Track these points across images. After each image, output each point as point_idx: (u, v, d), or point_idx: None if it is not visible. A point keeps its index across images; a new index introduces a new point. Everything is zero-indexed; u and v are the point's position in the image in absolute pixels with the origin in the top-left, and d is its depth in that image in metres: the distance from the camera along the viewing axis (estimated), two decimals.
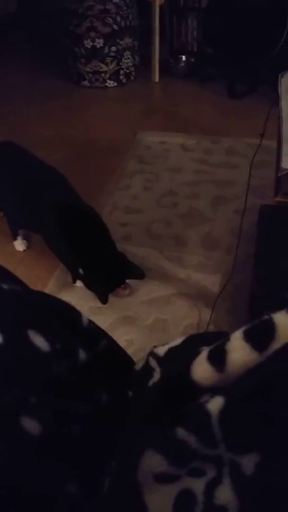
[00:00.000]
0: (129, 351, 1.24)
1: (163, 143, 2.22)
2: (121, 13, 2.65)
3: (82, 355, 0.50)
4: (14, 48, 3.57)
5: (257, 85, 2.64)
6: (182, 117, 2.49)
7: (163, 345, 0.63)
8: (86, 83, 2.89)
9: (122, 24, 2.68)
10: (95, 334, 0.60)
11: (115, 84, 2.88)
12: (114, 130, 2.41)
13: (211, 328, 1.29)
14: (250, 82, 2.67)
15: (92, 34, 2.66)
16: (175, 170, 2.02)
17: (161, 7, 2.74)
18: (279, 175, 0.92)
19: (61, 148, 2.29)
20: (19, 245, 1.61)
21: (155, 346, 0.64)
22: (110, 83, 2.87)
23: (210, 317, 1.31)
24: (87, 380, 0.50)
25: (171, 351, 0.60)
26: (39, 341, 0.45)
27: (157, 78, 2.89)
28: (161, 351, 0.61)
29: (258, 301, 1.27)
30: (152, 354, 0.62)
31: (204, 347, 0.50)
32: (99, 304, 1.36)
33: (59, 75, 3.03)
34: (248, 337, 0.45)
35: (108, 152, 2.22)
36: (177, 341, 0.62)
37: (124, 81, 2.90)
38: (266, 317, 0.46)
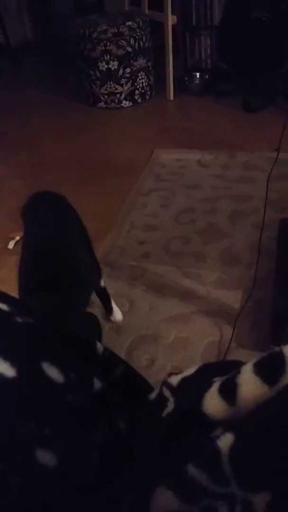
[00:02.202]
0: (151, 370, 1.24)
1: (179, 160, 2.23)
2: (134, 35, 2.70)
3: (97, 384, 0.49)
4: (32, 72, 3.69)
5: (272, 98, 2.64)
6: (198, 133, 2.51)
7: (176, 374, 0.62)
8: (102, 104, 2.94)
9: (136, 46, 2.73)
10: (111, 361, 0.60)
11: (131, 104, 2.93)
12: (131, 149, 2.44)
13: (233, 346, 1.27)
14: (265, 95, 2.67)
15: (107, 57, 2.72)
16: (192, 186, 2.02)
17: (173, 26, 2.79)
18: None
19: (79, 168, 2.33)
20: None
21: (170, 374, 0.63)
22: (126, 103, 2.92)
23: (232, 335, 1.29)
24: (103, 409, 0.49)
25: (184, 380, 0.59)
26: (53, 373, 0.45)
27: (172, 96, 2.93)
28: (175, 380, 0.60)
29: (281, 317, 1.24)
30: (165, 383, 0.61)
31: (216, 378, 0.49)
32: (119, 323, 1.36)
33: (76, 98, 3.10)
34: (259, 370, 0.44)
35: (125, 171, 2.24)
36: (191, 370, 0.61)
37: (139, 100, 2.94)
38: (276, 349, 0.45)
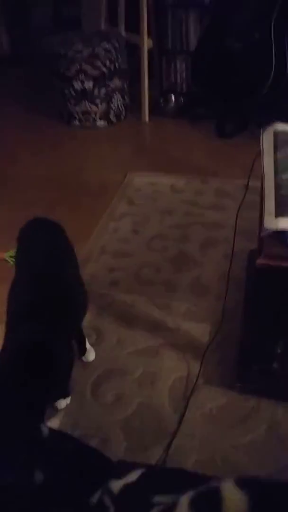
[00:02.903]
0: (118, 406, 1.21)
1: (153, 184, 2.23)
2: (110, 56, 2.71)
3: (39, 476, 0.47)
4: (7, 87, 3.64)
5: (246, 124, 2.68)
6: (172, 158, 2.52)
7: (117, 479, 0.59)
8: (76, 122, 2.92)
9: (111, 67, 2.74)
10: (58, 443, 0.57)
11: (105, 124, 2.92)
12: (104, 171, 2.43)
13: (200, 382, 1.26)
14: (239, 121, 2.71)
15: (82, 76, 2.71)
16: (165, 212, 2.02)
17: (149, 50, 2.81)
18: (261, 235, 0.91)
19: (52, 189, 2.29)
20: None
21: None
22: (101, 123, 2.91)
23: (199, 371, 1.28)
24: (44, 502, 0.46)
25: (126, 488, 0.57)
26: None
27: (147, 118, 2.94)
28: (116, 487, 0.58)
29: (247, 354, 1.24)
30: (106, 490, 0.58)
31: (156, 500, 0.47)
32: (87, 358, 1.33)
33: (51, 115, 3.07)
34: (195, 507, 0.43)
35: (98, 194, 2.22)
36: (133, 477, 0.59)
37: (114, 120, 2.94)
38: (215, 485, 0.44)
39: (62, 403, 1.20)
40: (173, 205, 2.07)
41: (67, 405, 1.21)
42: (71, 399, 1.22)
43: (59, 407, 1.20)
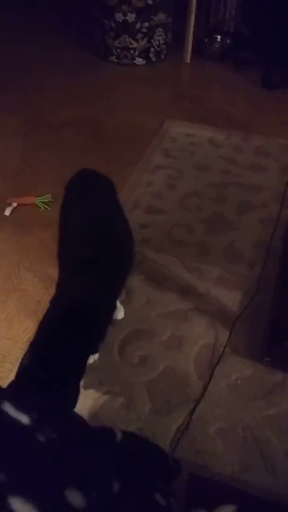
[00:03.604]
0: (144, 367, 1.23)
1: (190, 136, 2.12)
2: None
3: (116, 485, 0.47)
4: (41, 17, 3.40)
5: None
6: (212, 107, 2.37)
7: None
8: (113, 58, 2.75)
9: None
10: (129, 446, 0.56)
11: (144, 62, 2.74)
12: (140, 115, 2.31)
13: (227, 351, 1.26)
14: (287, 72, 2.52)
15: (125, 7, 2.50)
16: (202, 168, 1.93)
17: None
18: None
19: (84, 131, 2.20)
20: None
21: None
22: (139, 61, 2.73)
23: (228, 340, 1.28)
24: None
25: None
26: (76, 499, 0.42)
27: (189, 59, 2.74)
28: None
29: (278, 329, 1.23)
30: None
31: None
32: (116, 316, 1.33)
33: (86, 48, 2.89)
34: None
35: (132, 141, 2.12)
36: None
37: (153, 59, 2.75)
38: None
39: (91, 358, 1.22)
40: (210, 161, 1.98)
41: (94, 361, 1.23)
42: (98, 356, 1.24)
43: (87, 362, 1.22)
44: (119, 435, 0.59)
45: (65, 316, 0.99)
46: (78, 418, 0.67)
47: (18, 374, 0.95)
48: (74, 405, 0.97)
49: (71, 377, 0.97)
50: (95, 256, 1.07)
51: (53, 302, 1.04)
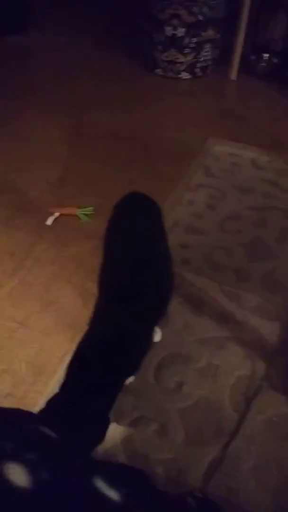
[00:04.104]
0: (179, 394, 1.22)
1: (233, 155, 2.11)
2: (208, 3, 2.47)
3: None
4: (87, 23, 3.43)
5: None
6: (256, 126, 2.35)
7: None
8: (159, 71, 2.75)
9: (208, 14, 2.51)
10: None
11: (190, 76, 2.74)
12: (183, 131, 2.30)
13: (264, 385, 1.24)
14: None
15: (175, 21, 2.51)
16: (243, 189, 1.92)
17: None
18: None
19: (126, 144, 2.21)
20: None
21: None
22: (185, 75, 2.73)
23: (265, 373, 1.26)
24: None
25: None
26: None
27: (234, 76, 2.73)
28: None
29: None
30: None
31: None
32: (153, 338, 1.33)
33: (133, 60, 2.91)
34: None
35: (174, 157, 2.12)
36: None
37: (199, 74, 2.75)
38: None
39: (126, 380, 1.22)
40: (252, 183, 1.96)
41: (130, 383, 1.23)
42: (134, 378, 1.23)
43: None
44: (192, 504, 0.58)
45: (101, 346, 0.96)
46: (158, 490, 0.66)
47: (49, 402, 0.94)
48: (103, 435, 0.97)
49: (101, 408, 0.96)
50: (135, 285, 1.04)
51: (89, 329, 1.02)
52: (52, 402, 0.94)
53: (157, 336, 1.34)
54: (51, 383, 1.24)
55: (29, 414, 0.66)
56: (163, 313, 1.17)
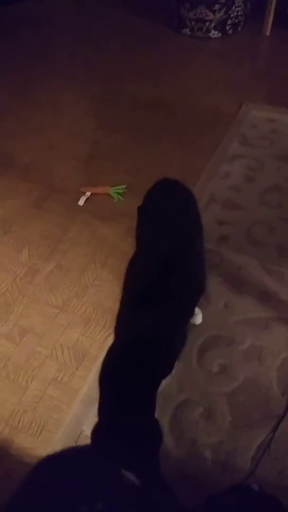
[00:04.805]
0: (223, 377, 1.20)
1: (272, 121, 1.99)
2: None
3: None
4: None
5: None
6: None
7: None
8: (187, 31, 2.60)
9: None
10: None
11: (220, 35, 2.57)
12: (217, 96, 2.18)
13: None
14: None
15: None
16: (284, 158, 1.81)
17: None
18: None
19: (157, 113, 2.12)
20: None
21: None
22: (214, 34, 2.57)
23: None
24: None
25: None
26: None
27: (268, 31, 2.54)
28: None
29: None
30: None
31: None
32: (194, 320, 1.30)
33: (158, 18, 2.75)
34: None
35: (208, 125, 2.02)
36: None
37: (230, 32, 2.58)
38: None
39: None
40: None
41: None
42: (177, 362, 1.22)
43: None
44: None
45: (130, 354, 0.90)
46: None
47: (95, 434, 0.88)
48: (160, 441, 0.93)
49: (147, 418, 0.91)
50: (164, 287, 0.97)
51: (117, 337, 0.97)
52: (98, 433, 0.87)
53: (198, 318, 1.31)
54: (94, 368, 1.24)
55: (106, 457, 0.64)
56: (191, 315, 1.11)
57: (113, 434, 0.82)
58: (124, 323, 0.98)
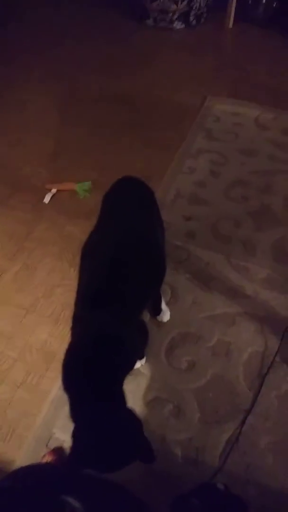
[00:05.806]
0: (192, 374, 1.22)
1: (235, 115, 2.00)
2: None
3: None
4: None
5: None
6: (258, 80, 2.22)
7: None
8: (150, 22, 2.57)
9: None
10: None
11: (183, 26, 2.56)
12: (180, 89, 2.18)
13: (278, 360, 1.24)
14: None
15: None
16: (247, 152, 1.83)
17: None
18: None
19: (120, 108, 2.09)
20: None
21: None
22: (178, 25, 2.55)
23: (278, 348, 1.25)
24: None
25: None
26: None
27: (231, 24, 2.55)
28: None
29: None
30: None
31: None
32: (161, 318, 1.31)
33: (121, 9, 2.70)
34: None
35: (172, 119, 2.02)
36: None
37: (193, 23, 2.57)
38: None
39: (138, 363, 1.21)
40: (257, 145, 1.87)
41: (141, 366, 1.22)
42: (146, 359, 1.23)
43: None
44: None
45: (86, 357, 0.90)
46: None
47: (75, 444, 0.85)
48: (140, 426, 0.90)
49: (118, 416, 0.88)
50: (115, 287, 0.97)
51: (74, 337, 0.96)
52: (77, 436, 0.85)
53: (166, 315, 1.32)
54: None
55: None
56: (148, 301, 1.12)
57: (93, 433, 0.82)
58: (80, 323, 0.97)
